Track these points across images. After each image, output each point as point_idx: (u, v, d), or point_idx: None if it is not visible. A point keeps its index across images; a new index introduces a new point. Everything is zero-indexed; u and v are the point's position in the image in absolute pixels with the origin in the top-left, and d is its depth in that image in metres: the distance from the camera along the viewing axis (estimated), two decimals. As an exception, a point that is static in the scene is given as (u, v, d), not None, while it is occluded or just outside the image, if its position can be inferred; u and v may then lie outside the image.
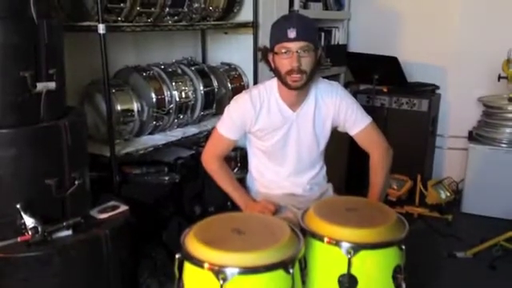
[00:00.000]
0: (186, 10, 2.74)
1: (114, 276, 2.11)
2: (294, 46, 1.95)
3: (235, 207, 3.26)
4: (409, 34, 4.24)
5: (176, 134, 2.86)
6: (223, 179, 2.23)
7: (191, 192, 2.96)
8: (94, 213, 2.25)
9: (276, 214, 2.11)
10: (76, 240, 2.01)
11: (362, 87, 4.28)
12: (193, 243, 1.63)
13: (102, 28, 2.28)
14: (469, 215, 3.77)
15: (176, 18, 2.73)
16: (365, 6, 4.40)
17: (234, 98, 2.22)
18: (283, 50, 1.97)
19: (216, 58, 3.45)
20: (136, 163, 2.80)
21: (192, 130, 2.96)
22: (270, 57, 2.07)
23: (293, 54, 1.96)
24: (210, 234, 1.66)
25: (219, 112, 3.24)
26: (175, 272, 1.66)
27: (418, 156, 3.93)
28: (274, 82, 2.13)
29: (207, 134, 3.08)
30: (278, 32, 2.00)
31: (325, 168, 2.32)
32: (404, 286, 1.75)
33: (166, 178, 2.71)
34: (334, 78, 4.13)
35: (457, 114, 4.20)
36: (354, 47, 4.41)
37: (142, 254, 2.47)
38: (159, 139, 2.79)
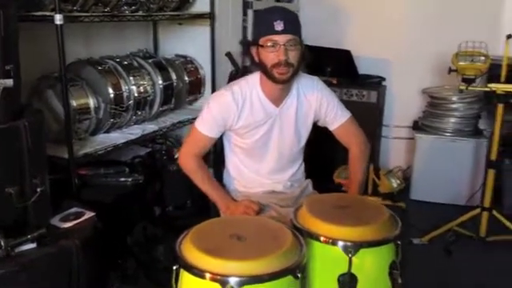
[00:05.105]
0: (143, -1, 2.59)
1: (84, 288, 1.95)
2: (281, 38, 1.88)
3: (195, 206, 3.16)
4: (356, 26, 4.27)
5: (135, 132, 2.72)
6: (202, 179, 2.11)
7: (151, 192, 2.82)
8: (55, 221, 2.07)
9: (259, 213, 2.03)
10: (43, 253, 1.84)
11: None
12: (191, 252, 1.51)
13: (58, 18, 2.09)
14: (418, 202, 3.88)
15: (133, 7, 2.56)
16: (313, -1, 4.39)
17: (214, 94, 2.13)
18: (269, 43, 1.89)
19: (169, 50, 3.31)
20: (92, 164, 2.62)
21: (151, 127, 2.82)
22: (254, 50, 1.97)
23: (280, 47, 1.88)
24: (209, 241, 1.54)
25: (178, 107, 3.12)
26: (172, 284, 1.54)
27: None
28: (257, 76, 2.05)
29: (166, 131, 2.95)
30: (264, 24, 1.91)
31: (303, 164, 2.27)
32: (400, 280, 1.74)
33: (130, 179, 2.55)
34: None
35: (401, 105, 4.30)
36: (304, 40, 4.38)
37: (109, 261, 2.31)
38: (117, 138, 2.63)
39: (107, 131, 2.65)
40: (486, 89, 3.06)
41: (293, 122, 2.09)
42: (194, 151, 2.09)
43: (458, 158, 3.76)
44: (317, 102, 2.11)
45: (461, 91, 3.20)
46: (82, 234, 1.99)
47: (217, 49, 3.14)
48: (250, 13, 3.43)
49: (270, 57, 1.90)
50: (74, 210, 2.16)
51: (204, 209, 3.28)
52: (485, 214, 3.17)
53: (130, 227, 2.50)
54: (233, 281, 1.42)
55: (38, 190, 1.90)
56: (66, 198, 2.25)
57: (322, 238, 1.68)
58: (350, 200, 1.93)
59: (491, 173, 3.16)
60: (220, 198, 2.10)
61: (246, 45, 2.04)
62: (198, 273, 1.46)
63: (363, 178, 2.20)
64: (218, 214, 2.20)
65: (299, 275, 1.49)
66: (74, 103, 2.38)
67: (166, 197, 2.94)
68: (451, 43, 3.19)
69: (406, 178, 4.07)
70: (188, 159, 2.10)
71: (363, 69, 4.09)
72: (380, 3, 4.23)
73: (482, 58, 3.05)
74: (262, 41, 1.91)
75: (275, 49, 1.88)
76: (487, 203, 3.17)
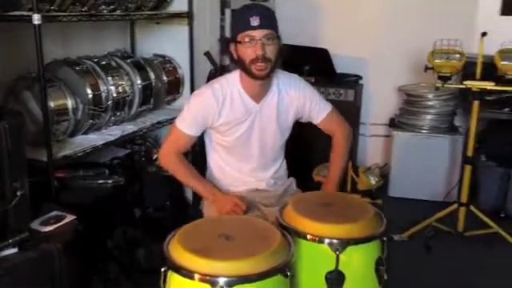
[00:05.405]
0: (121, -2, 2.55)
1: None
2: (258, 34, 1.89)
3: (174, 207, 3.13)
4: (333, 25, 4.29)
5: (114, 133, 2.67)
6: (184, 174, 2.10)
7: (131, 194, 2.78)
8: (35, 225, 2.03)
9: (247, 212, 2.02)
10: (25, 258, 1.80)
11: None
12: (179, 252, 1.50)
13: (36, 18, 2.04)
14: (396, 199, 3.92)
15: (111, 7, 2.52)
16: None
17: (195, 92, 2.12)
18: (247, 39, 1.91)
19: (146, 49, 3.26)
20: (71, 166, 2.57)
21: (130, 128, 2.78)
22: (233, 47, 1.99)
23: (256, 42, 1.90)
24: (197, 242, 1.53)
25: (157, 107, 3.09)
26: (160, 286, 1.52)
27: (347, 144, 4.01)
28: (236, 74, 2.06)
29: (146, 132, 2.92)
30: (241, 21, 1.93)
31: (285, 162, 2.28)
32: (386, 276, 1.76)
33: (110, 181, 2.51)
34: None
35: (378, 103, 4.35)
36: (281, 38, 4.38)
37: (90, 264, 2.28)
38: (96, 139, 2.59)
39: (86, 132, 2.60)
40: (462, 86, 3.11)
41: (274, 118, 2.10)
42: (174, 150, 2.07)
43: (435, 154, 3.82)
44: (299, 100, 2.14)
45: (437, 89, 3.25)
46: (63, 237, 1.96)
47: (195, 48, 3.12)
48: (227, 12, 3.42)
49: (247, 52, 1.92)
50: (54, 213, 2.12)
51: (183, 209, 3.28)
52: (462, 210, 3.23)
53: (111, 230, 2.47)
54: (222, 281, 1.42)
55: (18, 193, 1.85)
56: (45, 202, 2.21)
57: (308, 236, 1.69)
58: (334, 198, 1.95)
59: (468, 169, 3.21)
60: (205, 189, 2.10)
61: (224, 43, 2.04)
62: (187, 274, 1.45)
63: (344, 166, 2.26)
64: (200, 215, 2.19)
65: (289, 274, 1.49)
66: (51, 104, 2.33)
67: (145, 198, 2.91)
68: (427, 41, 3.22)
69: (384, 175, 4.11)
70: (168, 157, 2.09)
71: (340, 67, 4.12)
72: (356, 2, 4.27)
73: (458, 55, 3.10)
74: (239, 37, 1.93)
75: (252, 44, 1.90)
76: (464, 199, 3.22)
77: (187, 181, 2.11)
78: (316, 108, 2.18)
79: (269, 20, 1.93)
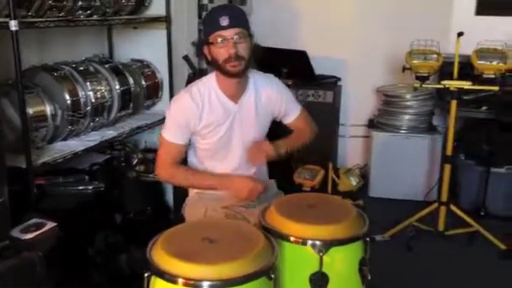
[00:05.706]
0: (98, 3, 2.52)
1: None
2: (229, 33, 1.91)
3: (155, 211, 3.12)
4: (310, 27, 4.33)
5: (93, 139, 2.65)
6: (187, 177, 2.09)
7: (112, 200, 2.76)
8: (16, 233, 2.00)
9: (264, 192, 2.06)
10: (6, 266, 1.78)
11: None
12: (162, 257, 1.49)
13: (14, 24, 2.01)
14: (376, 199, 3.95)
15: (89, 12, 2.50)
16: (267, 1, 4.42)
17: (174, 98, 2.11)
18: (219, 40, 1.93)
19: (124, 54, 3.24)
20: (50, 173, 2.54)
21: (110, 133, 2.76)
22: (206, 49, 2.00)
23: (228, 41, 1.92)
24: (180, 246, 1.52)
25: (136, 112, 3.07)
26: (143, 292, 1.50)
27: (327, 146, 4.03)
28: (213, 76, 2.07)
29: (125, 137, 2.90)
30: (211, 22, 1.96)
31: (265, 162, 2.28)
32: (369, 276, 1.77)
33: (90, 187, 2.48)
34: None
35: (357, 104, 4.39)
36: (258, 41, 4.39)
37: (73, 271, 2.25)
38: (76, 145, 2.56)
39: (65, 139, 2.57)
40: (440, 86, 3.15)
41: (253, 117, 2.12)
42: (168, 162, 2.05)
43: (414, 154, 3.86)
44: (276, 99, 2.17)
45: (415, 89, 3.30)
46: (44, 245, 1.94)
47: (173, 52, 3.12)
48: (205, 15, 3.42)
49: (220, 52, 1.94)
50: (34, 221, 2.09)
51: (165, 214, 3.27)
52: (442, 209, 3.26)
53: (92, 236, 2.44)
54: (206, 285, 1.42)
55: (-2, 201, 1.83)
56: (25, 209, 2.18)
57: (291, 238, 1.69)
58: (317, 199, 1.94)
59: (447, 168, 3.25)
60: (216, 180, 2.10)
61: (198, 46, 2.05)
62: (171, 278, 1.44)
63: (296, 147, 2.24)
64: (181, 219, 2.18)
65: (273, 276, 1.49)
66: (30, 111, 2.29)
67: (126, 204, 2.88)
68: (404, 42, 3.27)
69: (364, 175, 4.15)
70: (165, 169, 2.07)
71: (319, 69, 4.14)
72: (334, 4, 4.31)
73: (435, 55, 3.15)
74: (211, 38, 1.95)
75: (224, 44, 1.92)
76: (444, 198, 3.26)
77: (195, 183, 2.13)
78: (289, 107, 2.23)
79: (238, 19, 1.95)
